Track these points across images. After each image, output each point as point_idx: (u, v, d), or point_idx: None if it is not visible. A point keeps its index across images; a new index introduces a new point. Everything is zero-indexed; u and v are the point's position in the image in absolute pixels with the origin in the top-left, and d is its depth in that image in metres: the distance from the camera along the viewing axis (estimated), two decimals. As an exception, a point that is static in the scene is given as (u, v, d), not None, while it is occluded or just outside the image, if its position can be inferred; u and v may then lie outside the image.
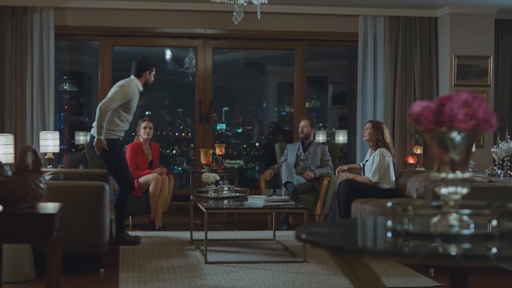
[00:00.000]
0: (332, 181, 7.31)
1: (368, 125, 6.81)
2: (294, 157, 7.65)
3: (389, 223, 2.28)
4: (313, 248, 4.24)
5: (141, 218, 7.52)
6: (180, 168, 11.98)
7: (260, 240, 6.50)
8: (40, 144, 7.55)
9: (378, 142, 6.67)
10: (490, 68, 8.60)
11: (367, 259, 2.22)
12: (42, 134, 7.59)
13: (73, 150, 10.59)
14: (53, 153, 7.61)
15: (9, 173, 3.56)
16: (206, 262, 5.31)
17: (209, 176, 6.36)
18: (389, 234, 2.22)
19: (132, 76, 6.27)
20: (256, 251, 5.91)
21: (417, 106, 2.08)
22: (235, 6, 5.64)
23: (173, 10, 8.51)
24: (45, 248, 3.47)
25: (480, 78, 8.58)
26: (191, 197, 6.52)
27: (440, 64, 8.72)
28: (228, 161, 11.98)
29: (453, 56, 8.50)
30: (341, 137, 9.53)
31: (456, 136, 2.07)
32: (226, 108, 12.84)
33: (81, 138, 9.14)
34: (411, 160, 8.47)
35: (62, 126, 10.96)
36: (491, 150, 6.95)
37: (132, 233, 6.44)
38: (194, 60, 9.29)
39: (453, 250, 1.96)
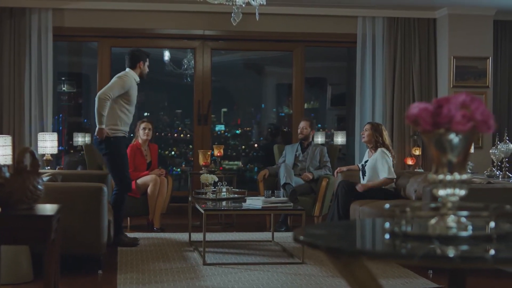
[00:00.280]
0: (331, 182, 7.31)
1: (367, 126, 6.81)
2: (292, 158, 7.65)
3: (387, 224, 2.27)
4: (311, 250, 4.24)
5: (139, 220, 7.52)
6: (178, 169, 11.97)
7: (258, 242, 6.49)
8: (38, 146, 7.54)
9: (377, 143, 6.67)
10: (489, 69, 8.60)
11: (365, 261, 2.21)
12: (40, 136, 7.59)
13: (72, 151, 10.59)
14: (52, 155, 7.60)
15: (7, 174, 3.55)
16: (205, 263, 5.31)
17: (208, 178, 6.36)
18: (387, 236, 2.22)
19: (127, 69, 6.29)
20: (254, 253, 5.90)
21: (415, 107, 2.08)
22: (234, 7, 5.64)
23: (172, 11, 8.50)
24: (43, 249, 3.47)
25: (478, 79, 8.58)
26: (190, 198, 6.52)
27: (438, 65, 8.72)
28: (226, 162, 11.98)
29: (452, 57, 8.50)
30: (339, 138, 9.52)
31: (454, 137, 2.07)
32: (225, 109, 12.84)
33: (80, 139, 9.14)
34: (409, 161, 8.47)
35: (60, 127, 10.96)
36: (490, 151, 6.97)
37: (130, 235, 6.44)
38: (193, 61, 9.29)
39: (451, 252, 1.96)
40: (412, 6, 8.49)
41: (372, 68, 8.72)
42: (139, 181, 7.16)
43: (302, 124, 7.77)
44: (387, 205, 2.33)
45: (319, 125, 11.77)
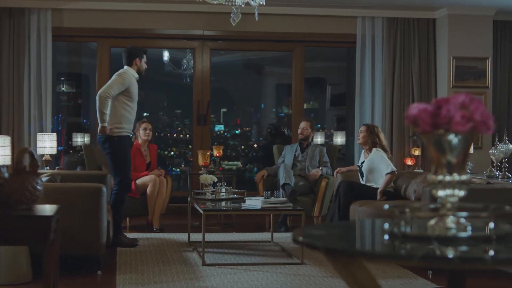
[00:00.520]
0: (330, 182, 7.31)
1: (362, 128, 6.81)
2: (291, 158, 7.64)
3: (386, 225, 2.27)
4: (311, 250, 4.24)
5: (138, 220, 7.51)
6: (178, 170, 11.97)
7: (258, 242, 6.49)
8: (38, 146, 7.53)
9: (373, 144, 6.66)
10: (488, 70, 8.60)
11: (365, 262, 2.21)
12: (40, 136, 7.58)
13: (71, 151, 10.58)
14: (51, 155, 7.59)
15: (6, 175, 3.55)
16: (204, 264, 5.30)
17: (207, 178, 6.35)
18: (386, 237, 2.21)
19: (125, 67, 6.29)
20: (254, 253, 5.90)
21: (414, 108, 2.07)
22: (233, 7, 5.63)
23: (171, 11, 8.50)
24: (42, 250, 3.46)
25: (478, 79, 8.58)
26: (189, 198, 6.51)
27: (438, 66, 8.72)
28: (226, 162, 11.98)
29: (451, 57, 8.49)
30: (339, 139, 9.53)
31: (453, 138, 2.07)
32: (224, 110, 12.84)
33: (79, 139, 9.13)
34: (409, 162, 8.47)
35: (60, 128, 10.96)
36: (489, 151, 6.96)
37: (129, 235, 6.43)
38: (192, 62, 9.29)
39: (450, 252, 1.95)
40: (411, 6, 8.49)
41: (372, 68, 8.71)
42: (139, 181, 7.15)
43: (303, 124, 7.75)
44: (386, 206, 2.33)
45: (319, 125, 11.76)
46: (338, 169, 7.22)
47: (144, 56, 6.36)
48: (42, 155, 7.51)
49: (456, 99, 2.03)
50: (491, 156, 6.89)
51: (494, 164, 6.87)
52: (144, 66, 6.36)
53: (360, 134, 6.78)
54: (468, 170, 6.36)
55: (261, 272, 5.11)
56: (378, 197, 6.44)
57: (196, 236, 6.32)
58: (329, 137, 10.76)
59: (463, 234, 2.09)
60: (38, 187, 3.59)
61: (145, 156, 7.43)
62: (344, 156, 10.69)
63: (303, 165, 7.58)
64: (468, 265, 1.98)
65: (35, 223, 3.48)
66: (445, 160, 2.11)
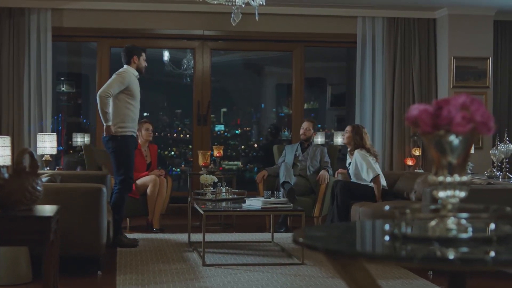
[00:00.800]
0: (331, 183, 7.29)
1: (348, 128, 6.82)
2: (292, 158, 7.62)
3: (387, 226, 2.26)
4: (311, 251, 4.23)
5: (138, 220, 7.51)
6: (178, 170, 11.97)
7: (258, 242, 6.48)
8: (38, 146, 7.52)
9: (356, 146, 6.65)
10: (489, 70, 8.59)
11: (365, 262, 2.20)
12: (40, 136, 7.56)
13: (71, 151, 10.57)
14: (51, 155, 7.58)
15: (6, 175, 3.54)
16: (204, 264, 5.30)
17: (207, 178, 6.35)
18: (386, 238, 2.21)
19: (124, 66, 6.29)
20: (254, 253, 5.89)
21: (415, 109, 2.06)
22: (233, 7, 5.63)
23: (171, 11, 8.50)
24: (42, 250, 3.46)
25: (479, 79, 8.57)
26: (189, 199, 6.51)
27: (438, 66, 8.71)
28: (226, 162, 11.98)
29: (452, 57, 8.49)
30: (339, 139, 9.49)
31: (453, 139, 2.06)
32: (224, 109, 12.83)
33: (79, 139, 9.11)
34: (409, 162, 8.46)
35: (60, 127, 10.95)
36: (490, 152, 6.95)
37: (129, 236, 6.43)
38: (192, 62, 9.28)
39: (450, 254, 1.95)
40: (412, 6, 8.48)
41: (372, 68, 8.71)
42: (139, 181, 7.15)
43: (306, 125, 7.71)
44: (387, 207, 2.33)
45: (319, 125, 11.76)
46: (339, 170, 7.23)
47: (143, 54, 6.35)
48: (42, 155, 7.50)
49: (456, 100, 2.03)
50: (492, 156, 6.88)
51: (495, 164, 6.87)
52: (144, 63, 6.35)
53: (345, 135, 6.80)
54: (468, 171, 6.35)
55: (261, 272, 5.10)
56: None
57: (196, 237, 6.31)
58: (329, 137, 10.75)
59: (463, 235, 2.08)
60: (38, 187, 3.58)
61: (146, 156, 7.42)
62: (344, 156, 10.64)
63: (303, 165, 7.57)
64: (469, 267, 1.98)
65: (35, 224, 3.47)
66: (446, 161, 2.10)
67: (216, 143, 9.60)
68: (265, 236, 6.80)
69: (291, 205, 5.91)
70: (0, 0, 7.96)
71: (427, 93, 8.67)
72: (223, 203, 5.95)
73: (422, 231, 2.19)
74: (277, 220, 7.24)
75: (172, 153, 12.39)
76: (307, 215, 6.47)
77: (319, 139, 9.23)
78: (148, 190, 7.09)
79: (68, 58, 11.41)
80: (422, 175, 6.52)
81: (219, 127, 12.67)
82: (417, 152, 8.52)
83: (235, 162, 12.34)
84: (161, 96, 12.96)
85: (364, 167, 6.49)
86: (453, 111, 2.01)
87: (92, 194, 4.98)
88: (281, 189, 6.77)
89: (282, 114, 12.58)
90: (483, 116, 2.00)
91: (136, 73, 6.28)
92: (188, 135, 12.03)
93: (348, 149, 6.82)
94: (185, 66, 10.55)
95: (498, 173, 6.74)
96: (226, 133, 12.77)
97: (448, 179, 2.11)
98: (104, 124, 6.06)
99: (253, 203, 5.74)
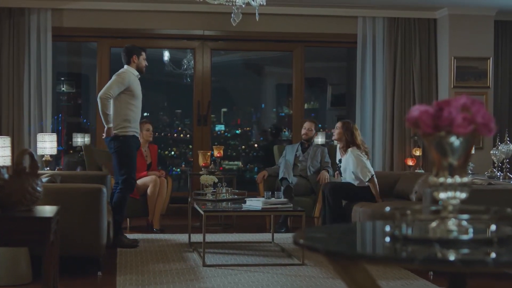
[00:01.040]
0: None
1: (338, 124, 6.76)
2: (292, 158, 7.61)
3: (387, 228, 2.26)
4: (311, 252, 4.22)
5: (138, 221, 7.50)
6: (178, 170, 11.96)
7: (258, 243, 6.48)
8: (38, 146, 7.52)
9: (347, 142, 6.61)
10: (490, 70, 8.58)
11: (365, 264, 2.20)
12: (40, 136, 7.56)
13: (71, 151, 10.57)
14: (51, 155, 7.58)
15: (6, 176, 3.54)
16: (204, 265, 5.29)
17: (207, 179, 6.34)
18: (387, 239, 2.20)
19: (125, 66, 6.28)
20: (254, 254, 5.89)
21: (415, 110, 2.06)
22: (233, 7, 5.62)
23: (171, 11, 8.49)
24: (42, 251, 3.45)
25: (479, 79, 8.57)
26: (189, 199, 6.50)
27: (439, 66, 8.71)
28: (226, 162, 11.97)
29: (452, 57, 8.48)
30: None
31: (454, 140, 2.05)
32: (224, 109, 12.83)
33: (79, 139, 9.11)
34: (410, 162, 8.45)
35: (60, 127, 10.95)
36: (491, 152, 6.94)
37: (129, 236, 6.42)
38: (192, 62, 9.27)
39: (451, 255, 1.94)
40: (412, 6, 8.47)
41: (373, 68, 8.70)
42: (139, 182, 7.13)
43: (308, 125, 7.68)
44: (387, 208, 2.32)
45: (319, 125, 11.75)
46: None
47: (143, 53, 6.34)
48: (42, 156, 7.49)
49: (457, 101, 2.02)
50: (492, 157, 6.88)
51: (495, 165, 6.86)
52: (144, 63, 6.34)
53: (335, 131, 6.75)
54: (469, 171, 6.34)
55: (261, 273, 5.09)
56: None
57: (197, 237, 6.30)
58: (329, 138, 10.74)
59: (464, 237, 2.08)
60: (38, 188, 3.58)
61: (146, 156, 7.41)
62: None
63: (304, 165, 7.56)
64: (470, 268, 1.98)
65: (35, 225, 3.47)
66: (447, 162, 2.09)
67: (216, 143, 9.60)
68: (265, 236, 6.80)
69: (291, 205, 5.90)
70: (0, 0, 7.95)
71: (428, 93, 8.67)
72: (223, 204, 5.95)
73: (422, 232, 2.19)
74: (278, 221, 7.24)
75: (172, 153, 12.39)
76: (307, 216, 6.46)
77: (320, 139, 9.23)
78: (149, 191, 7.09)
79: (68, 58, 11.41)
80: (422, 176, 6.51)
81: (219, 127, 12.66)
82: (417, 153, 8.51)
83: (235, 162, 12.34)
84: (161, 96, 12.96)
85: (359, 169, 6.47)
86: (454, 112, 2.00)
87: (92, 195, 4.97)
88: (282, 188, 6.75)
89: (283, 114, 12.58)
90: (484, 118, 2.00)
91: (137, 73, 6.28)
92: (188, 135, 12.03)
93: (339, 146, 6.75)
94: (185, 66, 10.55)
95: (498, 174, 6.73)
96: (226, 133, 12.77)
97: (449, 180, 2.10)
98: (106, 126, 6.06)
99: (254, 203, 5.73)
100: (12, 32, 8.06)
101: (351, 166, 6.50)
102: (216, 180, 6.40)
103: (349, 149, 6.56)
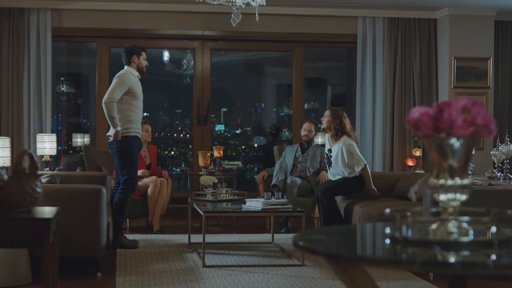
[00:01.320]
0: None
1: (327, 113, 6.67)
2: (292, 159, 7.60)
3: (388, 230, 2.25)
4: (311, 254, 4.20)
5: (138, 221, 7.49)
6: (178, 170, 11.95)
7: (258, 243, 6.47)
8: (37, 147, 7.50)
9: (337, 131, 6.53)
10: (490, 70, 8.57)
11: (365, 266, 2.19)
12: (39, 137, 7.55)
13: (71, 151, 10.57)
14: (50, 156, 7.56)
15: (5, 177, 3.53)
16: (204, 265, 5.29)
17: (207, 179, 6.34)
18: (387, 241, 2.19)
19: (125, 67, 6.27)
20: (254, 255, 5.88)
21: (416, 112, 2.05)
22: (233, 8, 5.61)
23: (171, 11, 8.48)
24: (41, 253, 3.44)
25: (479, 80, 8.56)
26: (189, 200, 6.50)
27: (439, 66, 8.70)
28: (226, 162, 11.96)
29: (453, 58, 8.47)
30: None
31: (455, 142, 2.05)
32: (224, 109, 12.82)
33: (78, 140, 9.10)
34: (410, 163, 8.44)
35: (60, 127, 10.94)
36: (491, 152, 6.93)
37: (129, 237, 6.41)
38: (192, 62, 9.26)
39: (451, 258, 1.93)
40: (412, 7, 8.46)
41: (373, 68, 8.69)
42: (139, 182, 7.12)
43: (308, 126, 7.64)
44: (387, 210, 2.31)
45: (319, 125, 11.74)
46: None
47: (143, 53, 6.33)
48: (42, 156, 7.48)
49: (458, 102, 2.01)
50: (493, 157, 6.87)
51: (496, 165, 6.85)
52: (144, 63, 6.33)
53: (324, 119, 6.67)
54: (469, 172, 6.33)
55: (261, 273, 5.09)
56: (374, 193, 6.48)
57: (197, 238, 6.30)
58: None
59: (465, 239, 2.07)
60: (38, 189, 3.57)
61: (145, 157, 7.40)
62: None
63: (303, 166, 7.54)
64: (470, 271, 1.97)
65: (34, 226, 3.45)
66: (447, 164, 2.09)
67: (216, 143, 9.59)
68: (265, 237, 6.79)
69: (291, 206, 5.90)
70: (0, 0, 7.94)
71: (428, 94, 8.66)
72: (223, 204, 5.94)
73: (423, 234, 2.18)
74: (278, 221, 7.23)
75: (172, 153, 12.38)
76: (307, 216, 6.45)
77: (319, 139, 9.22)
78: (149, 191, 7.08)
79: (68, 58, 11.40)
80: (422, 176, 6.51)
81: (219, 127, 12.66)
82: (417, 153, 8.51)
83: (235, 162, 12.33)
84: (161, 96, 12.94)
85: (354, 160, 6.43)
86: (454, 114, 1.99)
87: (92, 195, 4.96)
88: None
89: (283, 113, 12.57)
90: (484, 119, 1.99)
91: (137, 74, 6.27)
92: (188, 135, 12.02)
93: (328, 134, 6.68)
94: (185, 66, 10.54)
95: (499, 174, 6.72)
96: (226, 133, 12.76)
97: (449, 182, 2.10)
98: (113, 129, 6.04)
99: (253, 204, 5.73)
100: (11, 32, 8.05)
101: (345, 158, 6.44)
102: (216, 181, 6.40)
103: (342, 139, 6.48)
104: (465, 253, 2.01)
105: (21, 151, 3.63)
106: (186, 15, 8.52)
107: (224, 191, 6.06)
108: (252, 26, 8.03)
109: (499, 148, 6.76)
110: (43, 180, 5.21)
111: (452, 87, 8.47)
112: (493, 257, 1.99)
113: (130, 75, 6.18)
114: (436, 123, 2.02)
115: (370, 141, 8.60)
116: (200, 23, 8.56)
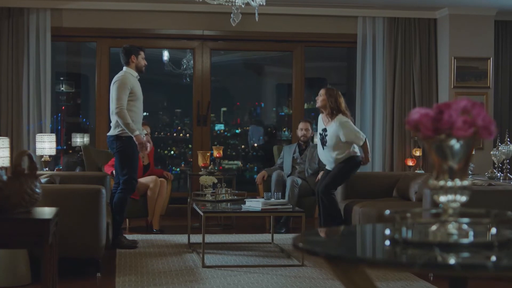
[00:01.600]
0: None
1: (322, 91, 6.50)
2: (290, 159, 7.59)
3: (387, 231, 2.24)
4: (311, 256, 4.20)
5: (138, 221, 7.48)
6: (178, 169, 11.95)
7: (258, 244, 6.47)
8: (37, 147, 7.50)
9: (332, 109, 6.39)
10: (490, 70, 8.56)
11: (365, 268, 2.19)
12: (39, 137, 7.54)
13: (70, 151, 10.56)
14: (50, 156, 7.56)
15: (5, 177, 3.52)
16: (204, 265, 5.28)
17: (207, 179, 6.33)
18: (387, 243, 2.19)
19: (124, 68, 6.26)
20: (254, 255, 5.88)
21: (415, 113, 2.05)
22: (233, 7, 5.61)
23: (171, 11, 8.47)
24: (41, 253, 3.44)
25: (479, 80, 8.55)
26: (189, 200, 6.49)
27: (439, 66, 8.69)
28: (226, 161, 11.96)
29: (453, 57, 8.46)
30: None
31: (455, 143, 2.04)
32: (224, 109, 12.81)
33: (78, 140, 9.09)
34: (410, 163, 8.44)
35: (59, 127, 10.93)
36: (491, 152, 6.93)
37: (129, 237, 6.40)
38: (192, 62, 9.26)
39: (451, 259, 1.93)
40: (412, 6, 8.46)
41: (373, 68, 8.69)
42: (139, 182, 7.12)
43: (304, 125, 7.59)
44: (387, 211, 2.31)
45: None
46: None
47: (141, 52, 6.30)
48: (41, 156, 7.48)
49: (458, 104, 2.01)
50: (493, 157, 6.86)
51: (496, 165, 6.84)
52: (143, 62, 6.31)
53: (319, 98, 6.52)
54: (469, 172, 6.33)
55: (261, 274, 5.08)
56: (365, 162, 6.48)
57: (196, 238, 6.30)
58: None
59: (465, 241, 2.07)
60: (37, 190, 3.56)
61: (143, 158, 7.37)
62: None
63: (302, 167, 7.54)
64: (470, 272, 1.96)
65: (34, 227, 3.45)
66: (447, 165, 2.08)
67: (216, 143, 9.58)
68: (265, 237, 6.79)
69: (291, 206, 5.89)
70: (0, 0, 7.94)
71: (428, 94, 8.65)
72: (223, 204, 5.94)
73: (423, 236, 2.17)
74: (279, 221, 7.22)
75: (172, 152, 12.37)
76: (307, 216, 6.44)
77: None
78: (149, 191, 7.07)
79: (68, 58, 11.39)
80: (422, 176, 6.50)
81: (219, 126, 12.65)
82: (417, 153, 8.50)
83: (235, 162, 12.32)
84: (161, 96, 12.94)
85: (353, 133, 6.32)
86: (454, 115, 1.99)
87: (92, 196, 4.96)
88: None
89: (282, 113, 12.56)
90: (484, 121, 1.98)
91: (136, 74, 6.25)
92: (188, 135, 12.02)
93: (324, 114, 6.51)
94: (184, 66, 10.53)
95: (499, 174, 6.72)
96: (226, 133, 12.75)
97: (449, 183, 2.09)
98: (132, 135, 6.01)
99: (253, 204, 5.72)
100: (11, 32, 8.04)
101: (343, 135, 6.32)
102: (216, 181, 6.39)
103: (337, 117, 6.34)
104: (465, 254, 2.01)
105: (20, 151, 3.63)
106: (186, 15, 8.51)
107: (223, 191, 6.05)
108: (252, 26, 8.02)
109: (499, 148, 6.75)
110: (43, 180, 5.20)
111: (452, 87, 8.46)
112: (493, 258, 1.98)
113: (129, 76, 6.16)
114: (436, 124, 2.01)
115: (370, 141, 8.57)
116: (200, 23, 8.56)
